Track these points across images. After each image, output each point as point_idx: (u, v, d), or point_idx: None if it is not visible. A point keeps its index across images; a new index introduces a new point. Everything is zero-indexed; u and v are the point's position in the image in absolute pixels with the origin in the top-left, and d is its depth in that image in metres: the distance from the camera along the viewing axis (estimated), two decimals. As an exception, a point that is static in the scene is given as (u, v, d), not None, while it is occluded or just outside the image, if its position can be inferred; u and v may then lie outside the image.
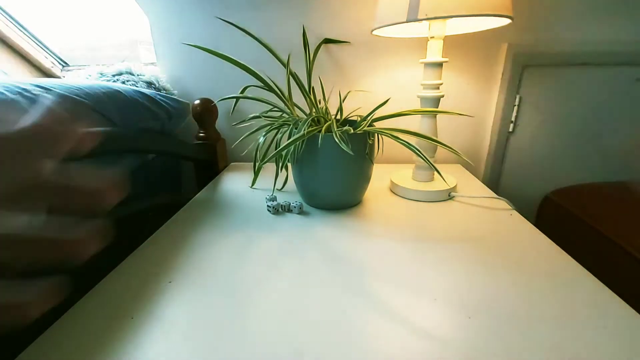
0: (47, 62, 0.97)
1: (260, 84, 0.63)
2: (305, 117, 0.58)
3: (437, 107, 0.65)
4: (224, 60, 0.59)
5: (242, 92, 0.65)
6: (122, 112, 0.59)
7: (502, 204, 0.63)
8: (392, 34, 0.72)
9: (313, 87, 0.66)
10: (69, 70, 1.02)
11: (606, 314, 0.36)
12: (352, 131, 0.53)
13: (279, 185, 0.74)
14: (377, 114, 0.60)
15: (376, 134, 0.59)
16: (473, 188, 0.71)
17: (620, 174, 0.89)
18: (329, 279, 0.42)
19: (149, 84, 0.78)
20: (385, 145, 0.89)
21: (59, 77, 1.00)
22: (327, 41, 0.81)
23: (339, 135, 0.49)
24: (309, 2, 0.79)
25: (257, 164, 0.68)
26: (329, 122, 0.55)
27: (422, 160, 0.55)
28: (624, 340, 0.32)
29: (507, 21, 0.58)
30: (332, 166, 0.57)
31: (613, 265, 0.60)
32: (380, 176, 0.79)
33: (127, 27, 0.95)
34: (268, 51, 0.65)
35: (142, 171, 0.68)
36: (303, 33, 0.73)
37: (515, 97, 0.83)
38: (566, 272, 0.43)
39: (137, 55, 0.96)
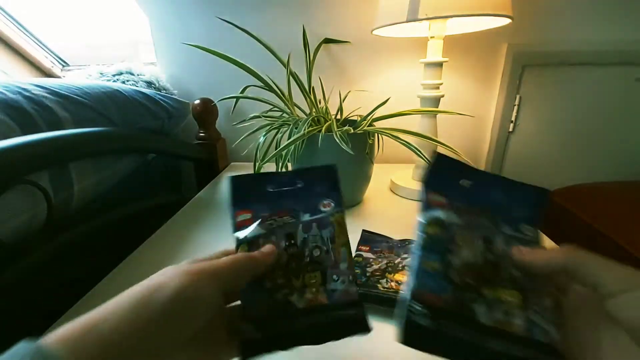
0: (47, 62, 0.97)
1: (260, 83, 0.62)
2: (305, 117, 0.58)
3: (437, 107, 0.65)
4: (224, 60, 0.59)
5: (242, 92, 0.65)
6: (122, 112, 0.59)
7: (502, 203, 0.63)
8: (392, 33, 0.72)
9: (313, 87, 0.66)
10: (69, 70, 1.02)
11: (606, 313, 0.36)
12: (352, 131, 0.53)
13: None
14: (377, 113, 0.60)
15: (376, 134, 0.59)
16: (473, 188, 0.71)
17: (620, 174, 0.89)
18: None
19: (149, 84, 0.78)
20: (385, 145, 0.89)
21: (59, 77, 1.00)
22: (327, 41, 0.81)
23: (339, 135, 0.49)
24: (309, 2, 0.79)
25: (257, 164, 0.68)
26: (329, 122, 0.55)
27: (422, 160, 0.55)
28: (624, 340, 0.32)
29: (507, 21, 0.58)
30: (332, 166, 0.57)
31: (613, 265, 0.60)
32: (380, 176, 0.78)
33: (127, 27, 0.95)
34: (268, 51, 0.65)
35: (142, 171, 0.68)
36: (303, 33, 0.73)
37: (515, 97, 0.83)
38: (566, 272, 0.43)
39: (137, 55, 0.96)
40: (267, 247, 0.26)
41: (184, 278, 0.21)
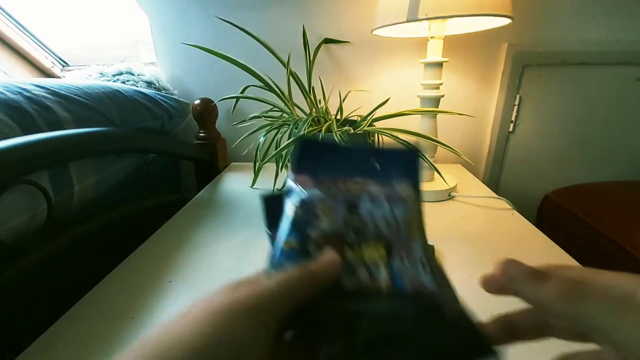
0: (47, 62, 0.97)
1: (260, 84, 0.63)
2: (306, 117, 0.58)
3: (437, 107, 0.65)
4: (224, 60, 0.59)
5: (242, 92, 0.65)
6: (122, 112, 0.59)
7: (502, 203, 0.63)
8: (392, 33, 0.72)
9: (313, 87, 0.66)
10: (69, 70, 1.02)
11: (606, 313, 0.36)
12: (352, 131, 0.53)
13: (279, 185, 0.73)
14: (377, 113, 0.60)
15: (376, 134, 0.59)
16: (473, 188, 0.71)
17: (620, 174, 0.89)
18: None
19: (149, 84, 0.78)
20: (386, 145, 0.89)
21: (59, 77, 1.00)
22: (327, 41, 0.81)
23: (339, 135, 0.49)
24: (309, 2, 0.79)
25: (257, 164, 0.68)
26: (329, 122, 0.55)
27: (423, 160, 0.55)
28: (624, 340, 0.32)
29: (507, 21, 0.58)
30: (332, 166, 0.57)
31: (613, 265, 0.60)
32: (380, 176, 0.78)
33: (127, 27, 0.95)
34: (268, 51, 0.65)
35: (142, 171, 0.68)
36: (303, 33, 0.73)
37: (515, 97, 0.83)
38: (566, 271, 0.43)
39: (137, 55, 0.96)
40: (328, 256, 0.19)
41: (212, 319, 0.16)
